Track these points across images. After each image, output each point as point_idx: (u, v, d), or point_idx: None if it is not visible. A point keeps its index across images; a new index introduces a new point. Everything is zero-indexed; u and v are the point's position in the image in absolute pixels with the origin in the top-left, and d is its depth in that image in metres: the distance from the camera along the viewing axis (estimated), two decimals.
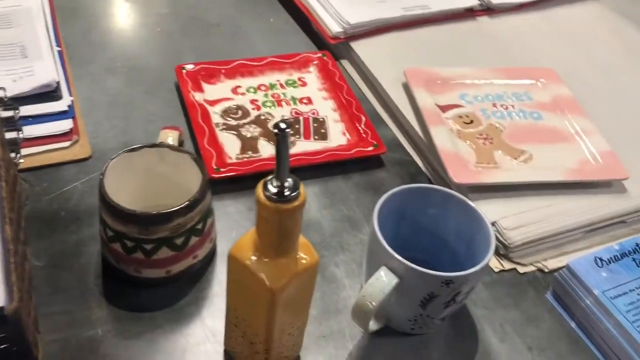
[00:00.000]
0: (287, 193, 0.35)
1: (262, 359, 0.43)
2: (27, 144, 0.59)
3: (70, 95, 0.64)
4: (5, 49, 0.67)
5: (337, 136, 0.65)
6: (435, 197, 0.50)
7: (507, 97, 0.69)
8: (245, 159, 0.60)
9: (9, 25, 0.70)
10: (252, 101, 0.67)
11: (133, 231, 0.46)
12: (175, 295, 0.50)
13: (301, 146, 0.63)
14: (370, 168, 0.63)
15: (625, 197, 0.60)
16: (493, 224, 0.56)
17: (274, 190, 0.35)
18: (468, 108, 0.67)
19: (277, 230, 0.37)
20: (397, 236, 0.48)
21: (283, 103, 0.67)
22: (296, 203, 0.35)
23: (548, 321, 0.52)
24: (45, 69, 0.65)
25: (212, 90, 0.67)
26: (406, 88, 0.69)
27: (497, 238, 0.55)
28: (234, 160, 0.60)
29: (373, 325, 0.49)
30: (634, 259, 0.53)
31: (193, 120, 0.62)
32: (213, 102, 0.66)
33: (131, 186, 0.50)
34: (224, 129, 0.63)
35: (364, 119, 0.65)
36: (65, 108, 0.62)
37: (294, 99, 0.68)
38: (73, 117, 0.62)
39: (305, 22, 0.79)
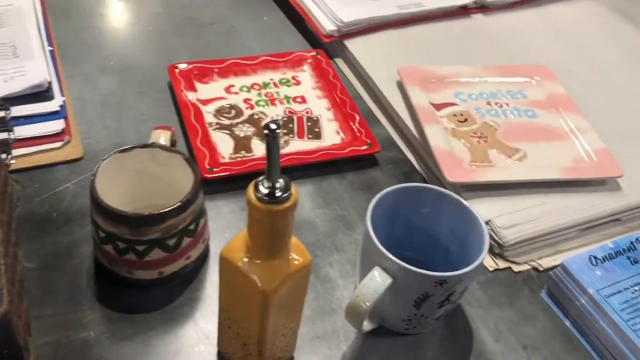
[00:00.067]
0: (278, 194, 0.35)
1: None
2: (19, 144, 0.58)
3: (62, 95, 0.63)
4: None
5: (331, 135, 0.64)
6: (429, 197, 0.50)
7: (502, 95, 0.69)
8: (238, 159, 0.60)
9: (0, 24, 0.70)
10: (246, 100, 0.67)
11: (125, 232, 0.46)
12: (168, 297, 0.50)
13: (295, 145, 0.63)
14: (364, 167, 0.63)
15: (619, 195, 0.60)
16: (487, 222, 0.55)
17: (265, 191, 0.35)
18: (462, 106, 0.67)
19: (269, 232, 0.36)
20: (390, 236, 0.48)
21: (277, 102, 0.67)
22: (288, 204, 0.35)
23: (543, 320, 0.52)
24: (36, 69, 0.64)
25: (205, 90, 0.67)
26: (400, 86, 0.68)
27: (491, 237, 0.55)
28: (227, 160, 0.60)
29: (367, 326, 0.48)
30: (628, 257, 0.53)
31: (186, 120, 0.62)
32: (206, 102, 0.65)
33: (123, 187, 0.50)
34: (217, 128, 0.63)
35: (358, 117, 0.65)
36: (57, 108, 0.62)
37: (287, 97, 0.68)
38: (65, 118, 0.61)
39: (300, 21, 0.79)
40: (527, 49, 0.78)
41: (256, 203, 0.35)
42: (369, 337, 0.49)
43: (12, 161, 0.57)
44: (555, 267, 0.54)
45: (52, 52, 0.68)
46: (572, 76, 0.73)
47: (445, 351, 0.50)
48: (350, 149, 0.62)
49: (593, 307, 0.50)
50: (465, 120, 0.65)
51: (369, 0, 0.79)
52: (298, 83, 0.70)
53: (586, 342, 0.51)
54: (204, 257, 0.52)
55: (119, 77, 0.69)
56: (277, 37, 0.78)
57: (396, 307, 0.47)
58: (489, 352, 0.50)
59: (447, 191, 0.49)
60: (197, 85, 0.67)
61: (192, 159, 0.50)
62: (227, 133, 0.63)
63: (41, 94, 0.62)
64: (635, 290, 0.51)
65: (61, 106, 0.62)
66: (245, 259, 0.38)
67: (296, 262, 0.39)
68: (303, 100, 0.68)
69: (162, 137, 0.53)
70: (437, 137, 0.61)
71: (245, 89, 0.68)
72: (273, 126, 0.33)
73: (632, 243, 0.54)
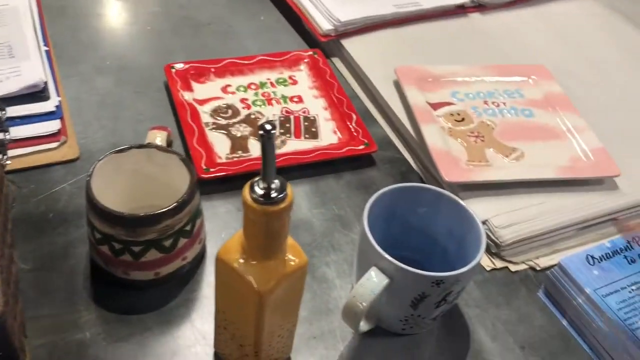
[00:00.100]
0: (274, 195, 0.35)
1: None
2: (14, 145, 0.58)
3: (58, 95, 0.63)
4: None
5: (328, 135, 0.64)
6: (426, 197, 0.50)
7: (499, 94, 0.69)
8: (235, 159, 0.60)
9: None
10: (242, 100, 0.67)
11: (121, 233, 0.46)
12: (164, 297, 0.50)
13: (292, 145, 0.62)
14: (361, 167, 0.63)
15: (617, 194, 0.60)
16: (484, 222, 0.55)
17: (260, 192, 0.35)
18: (459, 106, 0.66)
19: (265, 232, 0.36)
20: (387, 236, 0.48)
21: (273, 102, 0.67)
22: (283, 205, 0.35)
23: (540, 320, 0.52)
24: (32, 69, 0.64)
25: (202, 90, 0.67)
26: (397, 86, 0.68)
27: (488, 236, 0.55)
28: (224, 160, 0.60)
29: (364, 326, 0.48)
30: (625, 257, 0.53)
31: (182, 120, 0.62)
32: (202, 102, 0.65)
33: (119, 188, 0.50)
34: (213, 128, 0.63)
35: (355, 117, 0.65)
36: (53, 108, 0.61)
37: (284, 97, 0.68)
38: (61, 118, 0.61)
39: (297, 21, 0.79)
40: (524, 48, 0.78)
41: (252, 204, 0.35)
42: (366, 338, 0.49)
43: (8, 162, 0.57)
44: (552, 266, 0.54)
45: (48, 52, 0.68)
46: (570, 75, 0.73)
47: (442, 351, 0.50)
48: (347, 148, 0.62)
49: (590, 307, 0.50)
50: (462, 119, 0.65)
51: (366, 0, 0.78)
52: (295, 83, 0.70)
53: (583, 342, 0.51)
54: (200, 257, 0.52)
55: (116, 77, 0.69)
56: (274, 37, 0.78)
57: (393, 307, 0.47)
58: (486, 352, 0.50)
59: (444, 191, 0.49)
60: (194, 85, 0.67)
61: (188, 159, 0.50)
62: (223, 133, 0.63)
63: (37, 94, 0.62)
64: (633, 289, 0.51)
65: (57, 106, 0.62)
66: (241, 260, 0.38)
67: (292, 263, 0.39)
68: (300, 100, 0.68)
69: (158, 137, 0.53)
70: (434, 137, 0.61)
71: (242, 88, 0.68)
72: (268, 127, 0.33)
73: (629, 242, 0.54)
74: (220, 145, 0.61)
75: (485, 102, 0.67)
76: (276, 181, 0.35)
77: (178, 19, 0.79)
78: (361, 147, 0.62)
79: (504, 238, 0.55)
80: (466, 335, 0.50)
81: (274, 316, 0.40)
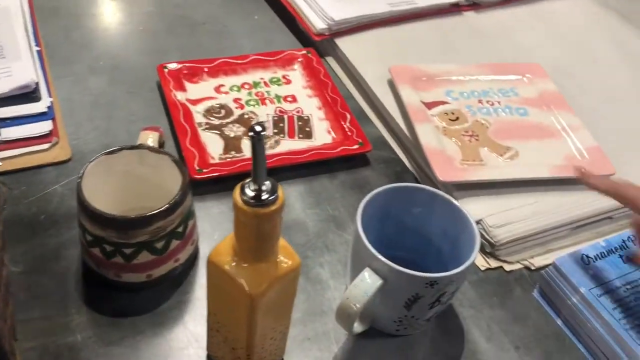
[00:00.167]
0: (264, 197, 0.35)
1: None
2: (5, 146, 0.58)
3: (50, 96, 0.63)
4: None
5: (322, 134, 0.64)
6: (420, 197, 0.49)
7: (493, 93, 0.68)
8: (228, 159, 0.60)
9: None
10: (236, 100, 0.66)
11: (112, 235, 0.45)
12: (156, 300, 0.49)
13: (285, 145, 0.62)
14: (355, 166, 0.62)
15: None
16: (479, 221, 0.55)
17: (251, 194, 0.35)
18: (454, 105, 0.66)
19: (256, 235, 0.36)
20: (382, 236, 0.48)
21: (267, 101, 0.67)
22: (274, 207, 0.35)
23: (535, 319, 0.52)
24: (23, 70, 0.63)
25: (195, 89, 0.66)
26: (391, 85, 0.68)
27: (483, 236, 0.55)
28: (217, 161, 0.59)
29: (358, 327, 0.48)
30: (620, 256, 0.53)
31: (175, 120, 0.61)
32: (195, 102, 0.65)
33: (110, 189, 0.50)
34: (206, 128, 0.62)
35: (349, 116, 0.65)
36: (45, 109, 0.61)
37: (278, 97, 0.67)
38: (53, 119, 0.61)
39: (291, 20, 0.79)
40: (519, 46, 0.78)
41: (242, 206, 0.35)
42: (360, 339, 0.49)
43: None
44: (547, 266, 0.54)
45: (39, 52, 0.67)
46: (565, 74, 0.73)
47: (437, 352, 0.49)
48: (342, 148, 0.62)
49: (585, 306, 0.50)
50: (457, 118, 0.65)
51: None
52: (289, 82, 0.69)
53: (578, 342, 0.51)
54: (193, 259, 0.52)
55: (109, 77, 0.68)
56: (268, 36, 0.77)
57: (387, 308, 0.47)
58: (481, 352, 0.49)
59: (438, 191, 0.49)
60: (187, 85, 0.66)
61: (180, 161, 0.50)
62: (216, 133, 0.62)
63: (28, 95, 0.62)
64: (627, 289, 0.50)
65: (49, 107, 0.61)
66: (233, 263, 0.38)
67: (284, 265, 0.38)
68: (294, 99, 0.67)
69: (150, 138, 0.53)
70: (428, 136, 0.61)
71: (235, 88, 0.67)
72: (258, 128, 0.33)
73: (624, 241, 0.54)
74: (213, 145, 0.61)
75: (480, 101, 0.67)
76: (267, 183, 0.35)
77: (173, 18, 0.78)
78: (355, 146, 0.62)
79: (498, 237, 0.54)
80: (460, 336, 0.50)
81: (267, 319, 0.40)
